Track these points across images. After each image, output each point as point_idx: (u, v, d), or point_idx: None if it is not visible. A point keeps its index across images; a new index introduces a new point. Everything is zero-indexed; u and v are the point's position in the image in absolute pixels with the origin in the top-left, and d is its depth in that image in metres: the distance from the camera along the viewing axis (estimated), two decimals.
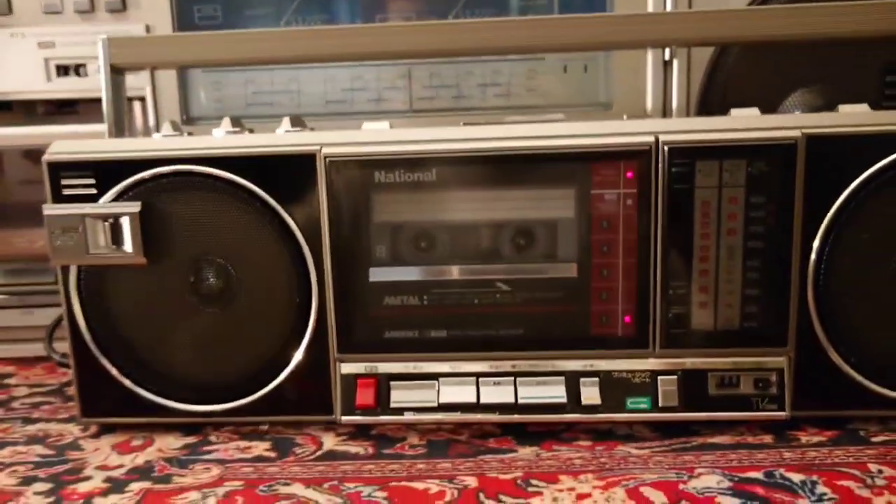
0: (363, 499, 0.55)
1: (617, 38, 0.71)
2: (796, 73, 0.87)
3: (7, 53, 0.88)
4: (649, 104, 0.89)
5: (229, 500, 0.56)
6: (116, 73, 0.72)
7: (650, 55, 0.88)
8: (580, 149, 0.62)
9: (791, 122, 0.61)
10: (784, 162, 0.60)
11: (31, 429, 0.71)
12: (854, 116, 0.61)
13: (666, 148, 0.61)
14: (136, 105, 0.92)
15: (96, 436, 0.69)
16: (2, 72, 0.89)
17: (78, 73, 0.89)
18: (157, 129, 0.86)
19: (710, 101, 0.88)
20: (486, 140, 0.62)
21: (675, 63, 0.88)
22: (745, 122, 0.62)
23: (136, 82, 0.88)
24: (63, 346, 0.69)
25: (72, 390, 0.69)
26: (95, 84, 0.74)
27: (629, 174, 0.61)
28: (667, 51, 0.87)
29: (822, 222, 0.61)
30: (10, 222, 0.87)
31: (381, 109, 0.90)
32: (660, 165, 0.61)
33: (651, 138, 0.61)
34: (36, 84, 0.89)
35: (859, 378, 0.63)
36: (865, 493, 0.54)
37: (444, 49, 0.71)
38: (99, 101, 0.73)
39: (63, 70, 0.89)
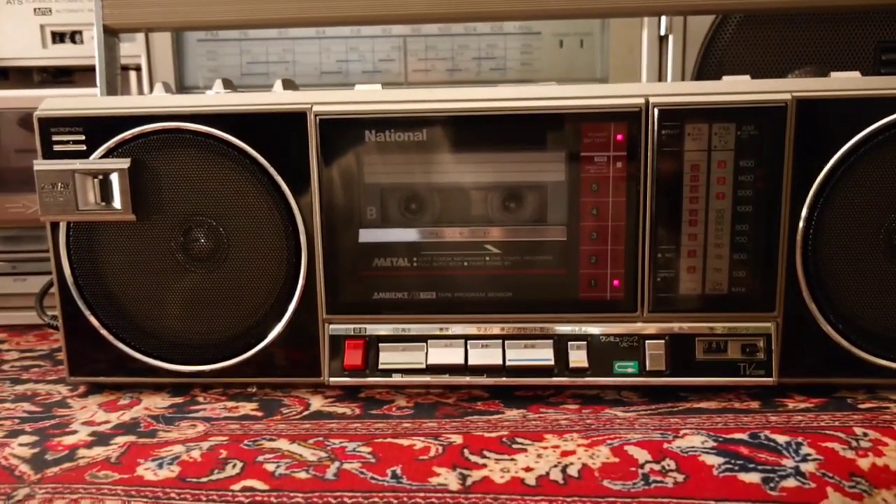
0: (347, 453, 0.56)
1: (613, 3, 0.70)
2: (791, 53, 0.87)
3: (3, 20, 0.88)
4: (644, 80, 0.89)
5: (213, 453, 0.56)
6: (110, 34, 0.72)
7: (646, 31, 0.88)
8: (570, 109, 0.62)
9: (782, 86, 0.61)
10: (774, 125, 0.60)
11: (20, 388, 0.71)
12: (845, 81, 0.61)
13: (656, 110, 0.61)
14: (132, 75, 0.92)
15: (84, 395, 0.69)
16: None
17: (74, 41, 0.89)
18: None
19: (705, 79, 0.88)
20: (477, 101, 0.62)
21: (671, 39, 0.87)
22: (735, 86, 0.62)
23: (131, 50, 0.88)
24: (54, 313, 0.68)
25: (62, 355, 0.69)
26: (91, 51, 0.74)
27: (619, 137, 0.61)
28: (663, 26, 0.87)
29: (811, 187, 0.61)
30: (4, 188, 0.86)
31: (375, 81, 0.89)
32: (649, 127, 0.61)
33: (641, 100, 0.61)
34: (32, 51, 0.89)
35: (846, 345, 0.63)
36: (850, 454, 0.54)
37: (440, 14, 0.71)
38: (94, 69, 0.73)
39: (59, 37, 0.89)
